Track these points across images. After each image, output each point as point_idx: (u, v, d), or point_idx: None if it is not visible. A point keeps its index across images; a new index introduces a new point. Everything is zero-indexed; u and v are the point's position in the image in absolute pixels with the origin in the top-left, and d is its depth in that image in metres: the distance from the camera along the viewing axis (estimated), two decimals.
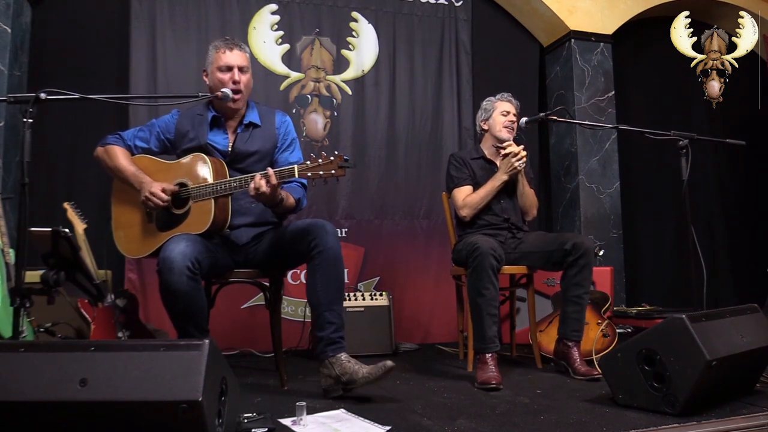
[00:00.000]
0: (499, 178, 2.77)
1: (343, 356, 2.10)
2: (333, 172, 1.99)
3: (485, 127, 2.95)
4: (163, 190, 2.18)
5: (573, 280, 2.60)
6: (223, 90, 2.23)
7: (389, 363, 2.03)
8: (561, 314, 2.66)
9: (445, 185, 3.00)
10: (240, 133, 2.35)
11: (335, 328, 2.12)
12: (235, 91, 2.27)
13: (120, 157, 2.29)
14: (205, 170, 2.20)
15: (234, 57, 2.28)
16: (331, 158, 1.99)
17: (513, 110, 2.90)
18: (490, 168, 2.89)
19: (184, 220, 2.19)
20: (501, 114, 2.88)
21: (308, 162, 2.02)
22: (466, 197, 2.81)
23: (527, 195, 2.85)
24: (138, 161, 2.32)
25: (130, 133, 2.39)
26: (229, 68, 2.27)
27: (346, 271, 3.67)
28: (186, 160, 2.27)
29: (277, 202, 2.18)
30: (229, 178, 2.16)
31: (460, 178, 2.87)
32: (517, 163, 2.73)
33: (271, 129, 2.40)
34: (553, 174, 4.44)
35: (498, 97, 2.95)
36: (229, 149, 2.32)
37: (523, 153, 2.75)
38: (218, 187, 2.14)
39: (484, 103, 2.99)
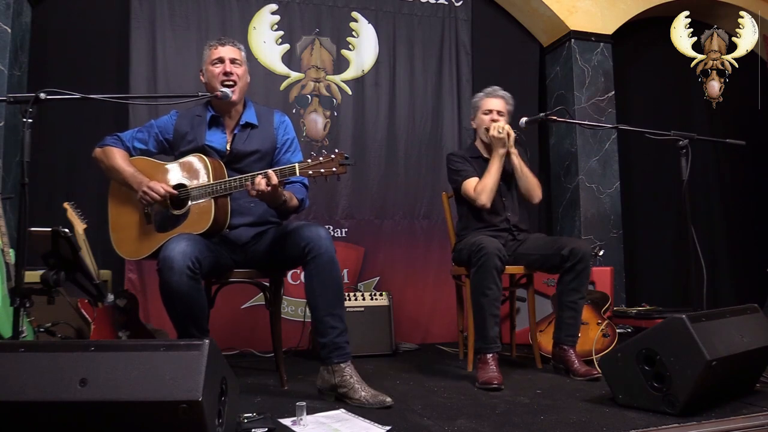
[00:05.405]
0: (495, 155, 2.69)
1: (348, 369, 2.08)
2: (334, 169, 1.98)
3: (474, 126, 2.91)
4: (163, 188, 2.17)
5: (569, 286, 2.58)
6: (222, 90, 2.23)
7: (389, 401, 1.99)
8: (556, 319, 2.65)
9: (445, 184, 2.96)
10: (238, 134, 2.34)
11: (338, 332, 2.10)
12: (228, 84, 2.27)
13: (118, 158, 2.29)
14: (203, 171, 2.19)
15: (225, 50, 2.30)
16: (332, 156, 1.98)
17: (498, 106, 2.79)
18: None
19: (184, 220, 2.18)
20: (483, 113, 2.81)
21: (309, 160, 2.01)
22: (477, 186, 2.72)
23: (526, 175, 2.76)
24: (135, 163, 2.30)
25: (128, 134, 2.38)
26: (221, 60, 2.29)
27: (347, 270, 3.71)
28: (184, 161, 2.26)
29: (280, 203, 2.18)
30: (228, 178, 2.15)
31: (465, 170, 2.80)
32: (496, 132, 2.65)
33: (269, 129, 2.39)
34: (553, 174, 4.43)
35: (484, 93, 2.86)
36: (227, 150, 2.31)
37: (500, 124, 2.69)
38: (217, 186, 2.13)
39: (473, 99, 2.93)
